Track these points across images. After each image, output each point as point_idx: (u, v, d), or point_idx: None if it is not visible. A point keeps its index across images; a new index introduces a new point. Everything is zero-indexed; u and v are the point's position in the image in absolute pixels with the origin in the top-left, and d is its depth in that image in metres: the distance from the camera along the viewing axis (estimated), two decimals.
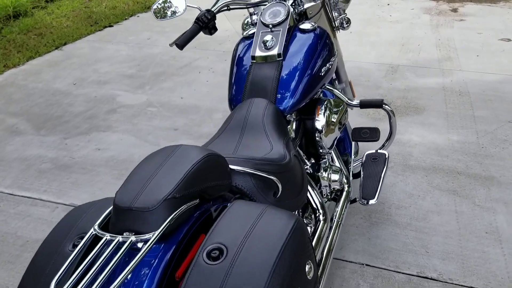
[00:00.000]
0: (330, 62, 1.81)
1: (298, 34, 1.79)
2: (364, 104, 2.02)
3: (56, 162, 2.88)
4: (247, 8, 1.98)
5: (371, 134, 2.11)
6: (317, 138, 1.78)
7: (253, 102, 1.62)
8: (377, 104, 2.01)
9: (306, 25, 1.79)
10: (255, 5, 1.98)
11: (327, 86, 1.96)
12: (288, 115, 1.68)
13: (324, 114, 1.79)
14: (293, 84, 1.66)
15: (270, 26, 1.75)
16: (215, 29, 1.88)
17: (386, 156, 2.13)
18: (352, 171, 2.18)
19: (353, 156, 2.27)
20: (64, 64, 4.47)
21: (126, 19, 5.92)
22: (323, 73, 1.76)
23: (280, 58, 1.68)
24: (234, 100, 1.72)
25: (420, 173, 2.62)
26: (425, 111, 3.29)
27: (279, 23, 1.75)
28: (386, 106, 2.04)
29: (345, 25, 2.20)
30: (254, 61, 1.72)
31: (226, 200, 1.21)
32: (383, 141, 2.21)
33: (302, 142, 1.83)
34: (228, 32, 4.55)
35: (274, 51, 1.68)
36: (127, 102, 3.61)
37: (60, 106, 3.59)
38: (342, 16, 2.16)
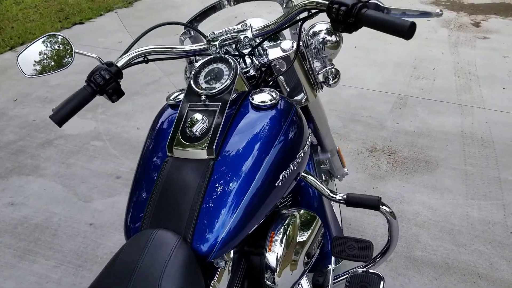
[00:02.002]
0: (297, 160, 1.12)
1: (250, 112, 1.11)
2: (353, 202, 1.33)
3: None
4: (177, 59, 1.30)
5: (359, 250, 1.41)
6: (268, 283, 1.10)
7: (154, 237, 0.94)
8: (372, 204, 1.33)
9: (262, 97, 1.12)
10: (190, 55, 1.30)
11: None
12: (217, 259, 1.00)
13: (281, 243, 1.11)
14: (229, 204, 0.98)
15: (203, 97, 1.07)
16: (120, 94, 1.20)
17: (382, 282, 1.45)
18: None
19: (333, 266, 1.59)
20: (12, 71, 3.78)
21: (102, 14, 5.20)
22: (283, 181, 1.07)
23: (212, 157, 1.01)
24: (130, 226, 1.04)
25: (428, 273, 1.93)
26: (438, 167, 2.59)
27: (219, 93, 1.07)
28: (384, 208, 1.35)
29: (331, 81, 1.50)
30: (172, 154, 1.04)
31: None
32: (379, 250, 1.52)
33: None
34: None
35: (203, 144, 1.01)
36: (69, 131, 2.92)
37: None
38: (328, 68, 1.46)
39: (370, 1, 1.06)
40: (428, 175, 2.53)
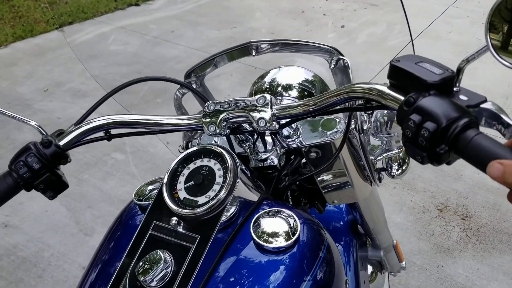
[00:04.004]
0: None
1: (249, 251, 0.69)
2: None
3: None
4: (157, 134, 0.88)
5: None
6: None
7: None
8: None
9: (272, 226, 0.71)
10: (174, 130, 0.87)
11: None
12: None
13: None
14: None
15: (174, 220, 0.65)
16: (60, 188, 0.78)
17: None
18: None
19: None
20: (52, 54, 3.51)
21: None
22: None
23: None
24: None
25: None
26: None
27: (202, 214, 0.66)
28: None
29: (394, 171, 1.03)
30: None
31: None
32: None
33: None
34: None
35: None
36: None
37: (2, 129, 2.63)
38: (392, 153, 0.97)
39: (481, 105, 0.59)
40: (510, 255, 1.98)
